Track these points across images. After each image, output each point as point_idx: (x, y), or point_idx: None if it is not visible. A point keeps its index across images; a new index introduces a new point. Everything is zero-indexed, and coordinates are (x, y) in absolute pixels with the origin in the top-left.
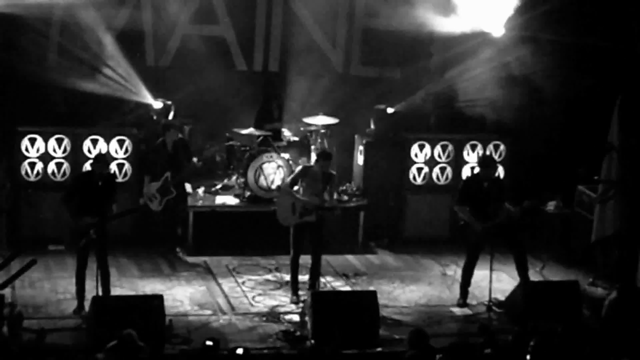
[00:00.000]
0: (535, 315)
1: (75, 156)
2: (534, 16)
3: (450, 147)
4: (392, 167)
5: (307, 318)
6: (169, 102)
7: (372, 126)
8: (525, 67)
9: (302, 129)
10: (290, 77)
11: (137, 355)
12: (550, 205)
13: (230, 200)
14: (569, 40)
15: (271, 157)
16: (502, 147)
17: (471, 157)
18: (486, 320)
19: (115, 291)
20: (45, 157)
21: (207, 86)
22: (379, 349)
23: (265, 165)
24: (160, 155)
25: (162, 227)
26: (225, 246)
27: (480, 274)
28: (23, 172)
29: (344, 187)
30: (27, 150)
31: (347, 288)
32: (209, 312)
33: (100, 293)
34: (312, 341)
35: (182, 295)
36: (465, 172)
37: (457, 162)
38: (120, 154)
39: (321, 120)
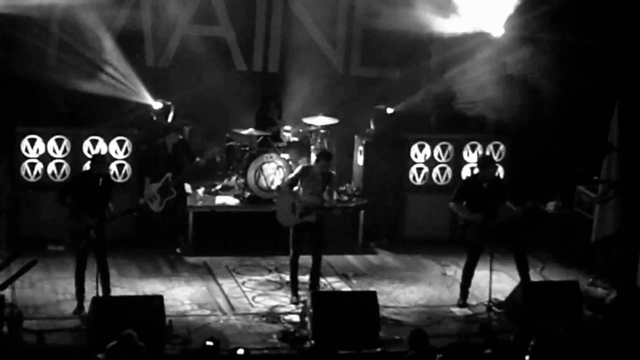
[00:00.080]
0: (536, 316)
1: (75, 157)
2: (534, 16)
3: (450, 148)
4: (392, 168)
5: (307, 318)
6: (169, 103)
7: (372, 126)
8: (524, 67)
9: (301, 130)
10: (289, 77)
11: (137, 355)
12: (550, 206)
13: (230, 200)
14: (569, 40)
15: (271, 157)
16: (501, 147)
17: (471, 158)
18: (486, 320)
19: (115, 291)
20: (45, 158)
21: (207, 86)
22: (379, 349)
23: (265, 166)
24: (160, 156)
25: (162, 228)
26: (225, 247)
27: (480, 274)
28: (23, 173)
29: (344, 188)
30: (26, 150)
31: (347, 288)
32: (209, 312)
33: (100, 293)
34: (312, 341)
35: (182, 296)
36: (465, 173)
37: (457, 163)
38: (120, 155)
39: (321, 120)
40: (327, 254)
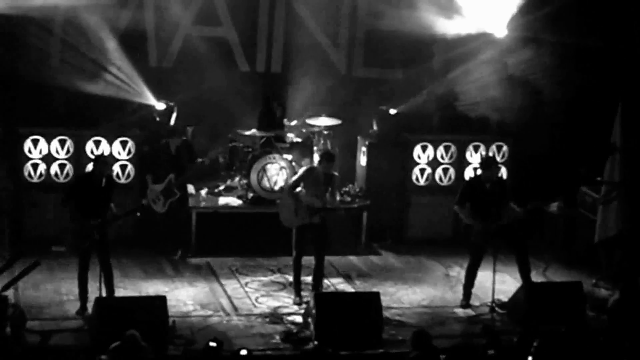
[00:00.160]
0: (539, 317)
1: (78, 157)
2: (537, 17)
3: (453, 148)
4: (395, 168)
5: (310, 319)
6: (172, 103)
7: (375, 127)
8: (527, 68)
9: (304, 130)
10: (292, 78)
11: (140, 356)
12: (553, 206)
13: (233, 201)
14: (571, 41)
15: (274, 158)
16: (504, 147)
17: (474, 158)
18: (489, 321)
19: (119, 292)
20: (48, 159)
21: (210, 87)
22: (382, 350)
23: (268, 167)
24: (162, 156)
25: (165, 229)
26: (229, 247)
27: (483, 275)
28: (26, 174)
29: (347, 188)
30: (30, 151)
31: (350, 289)
32: (211, 313)
33: (103, 294)
34: (315, 342)
35: (185, 296)
36: (468, 173)
37: (460, 163)
38: (123, 155)
39: (324, 121)
40: (330, 254)
